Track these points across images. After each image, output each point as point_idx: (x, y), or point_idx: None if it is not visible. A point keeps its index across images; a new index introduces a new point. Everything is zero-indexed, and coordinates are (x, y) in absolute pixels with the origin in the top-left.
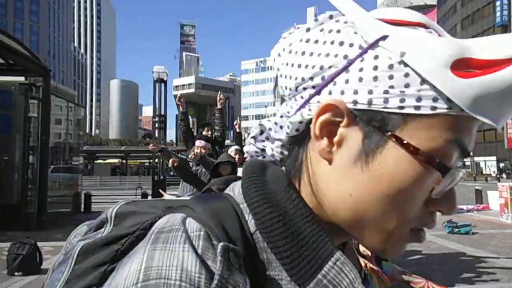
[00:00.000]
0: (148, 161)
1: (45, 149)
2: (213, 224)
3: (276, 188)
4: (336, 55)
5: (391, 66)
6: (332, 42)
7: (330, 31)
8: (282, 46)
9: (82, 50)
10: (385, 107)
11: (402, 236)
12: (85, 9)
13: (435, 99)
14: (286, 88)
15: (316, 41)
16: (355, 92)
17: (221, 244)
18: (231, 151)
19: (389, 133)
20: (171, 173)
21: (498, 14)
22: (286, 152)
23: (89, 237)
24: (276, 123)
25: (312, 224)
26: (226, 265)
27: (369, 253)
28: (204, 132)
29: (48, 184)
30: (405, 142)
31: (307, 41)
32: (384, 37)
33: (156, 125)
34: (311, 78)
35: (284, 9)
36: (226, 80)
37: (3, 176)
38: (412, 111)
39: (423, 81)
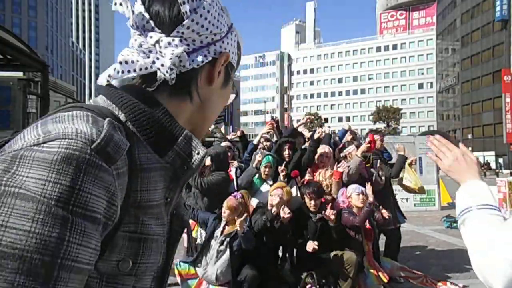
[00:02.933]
0: None
1: None
2: (96, 113)
3: (139, 95)
4: (224, 26)
5: (238, 42)
6: (222, 16)
7: (221, 10)
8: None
9: (80, 45)
10: (233, 59)
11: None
12: (83, 3)
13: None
14: (195, 32)
15: (218, 13)
16: (229, 50)
17: (107, 118)
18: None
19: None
20: None
21: (498, 8)
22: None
23: None
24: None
25: (167, 115)
26: (112, 127)
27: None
28: None
29: None
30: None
31: (217, 11)
32: (232, 24)
33: None
34: (215, 35)
35: (284, 3)
36: None
37: None
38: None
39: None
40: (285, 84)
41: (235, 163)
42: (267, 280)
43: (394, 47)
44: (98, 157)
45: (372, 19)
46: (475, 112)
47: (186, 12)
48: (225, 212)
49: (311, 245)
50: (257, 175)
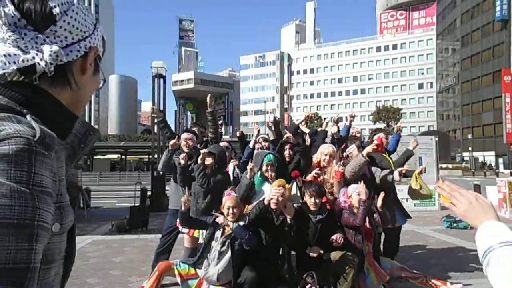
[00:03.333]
0: (147, 156)
1: None
2: (10, 112)
3: (28, 89)
4: (91, 25)
5: (102, 37)
6: (88, 16)
7: (86, 10)
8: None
9: None
10: (100, 51)
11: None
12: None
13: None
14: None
15: (85, 14)
16: (97, 44)
17: (28, 116)
18: None
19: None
20: None
21: (498, 8)
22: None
23: None
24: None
25: (63, 107)
26: (38, 123)
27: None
28: (194, 128)
29: None
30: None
31: (83, 10)
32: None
33: (155, 120)
34: (84, 32)
35: (284, 3)
36: (225, 75)
37: None
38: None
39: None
40: (285, 84)
41: (235, 161)
42: (267, 281)
43: (394, 47)
44: (41, 147)
45: (372, 19)
46: (475, 112)
47: (58, 13)
48: (232, 210)
49: (316, 250)
50: (258, 173)
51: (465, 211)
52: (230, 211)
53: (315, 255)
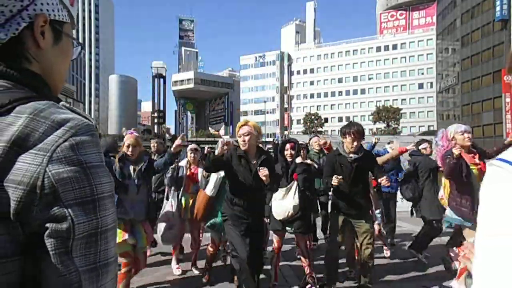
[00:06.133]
0: None
1: None
2: (47, 101)
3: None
4: None
5: None
6: None
7: None
8: None
9: None
10: (57, 15)
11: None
12: (83, 3)
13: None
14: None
15: None
16: (47, 9)
17: (62, 102)
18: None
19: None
20: None
21: (498, 8)
22: None
23: None
24: None
25: (50, 89)
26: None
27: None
28: (153, 140)
29: None
30: (69, 33)
31: None
32: None
33: (155, 120)
34: (22, 0)
35: (284, 3)
36: (225, 75)
37: None
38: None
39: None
40: (285, 84)
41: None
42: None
43: (394, 47)
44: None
45: (372, 19)
46: (475, 112)
47: None
48: (131, 149)
49: (336, 180)
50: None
51: None
52: (130, 149)
53: (336, 182)
